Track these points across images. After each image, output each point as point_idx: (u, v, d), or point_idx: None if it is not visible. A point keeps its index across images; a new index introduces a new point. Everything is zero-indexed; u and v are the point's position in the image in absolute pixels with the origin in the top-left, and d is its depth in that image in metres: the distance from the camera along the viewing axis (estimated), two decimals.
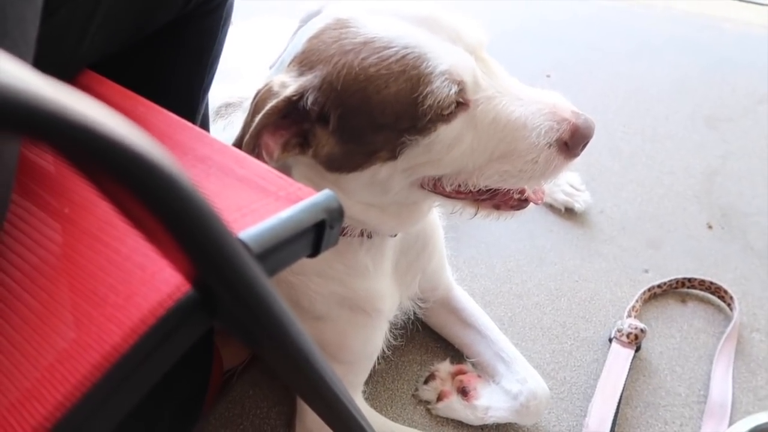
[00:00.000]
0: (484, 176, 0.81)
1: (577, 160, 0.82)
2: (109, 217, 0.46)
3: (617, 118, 1.87)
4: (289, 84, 0.76)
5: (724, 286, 1.36)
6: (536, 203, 0.90)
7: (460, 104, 0.77)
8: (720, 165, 1.73)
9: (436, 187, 0.85)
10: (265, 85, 0.76)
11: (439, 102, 0.73)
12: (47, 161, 0.54)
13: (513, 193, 0.86)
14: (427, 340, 1.28)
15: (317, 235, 0.48)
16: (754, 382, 1.24)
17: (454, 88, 0.73)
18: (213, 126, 1.11)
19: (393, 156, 0.78)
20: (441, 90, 0.72)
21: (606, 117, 1.87)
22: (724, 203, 1.62)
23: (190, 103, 0.82)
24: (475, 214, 0.89)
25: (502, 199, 0.88)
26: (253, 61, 1.28)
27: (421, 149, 0.77)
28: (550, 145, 0.77)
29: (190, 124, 0.58)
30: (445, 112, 0.75)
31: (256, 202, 0.48)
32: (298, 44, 0.81)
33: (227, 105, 1.16)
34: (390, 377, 1.23)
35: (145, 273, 0.41)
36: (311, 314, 1.00)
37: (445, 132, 0.76)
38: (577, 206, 1.55)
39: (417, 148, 0.77)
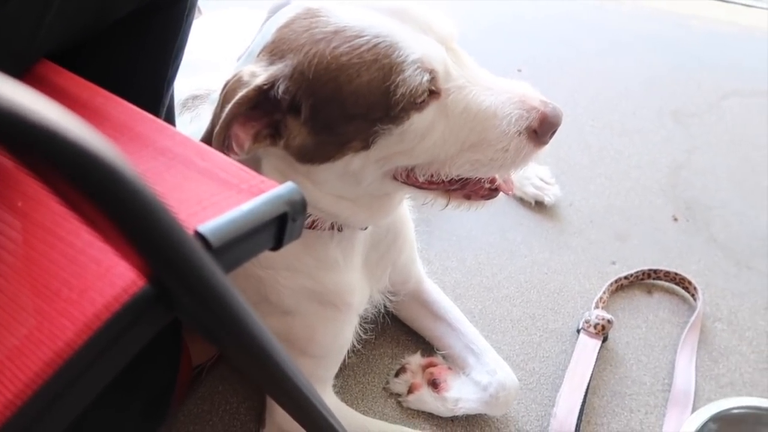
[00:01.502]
0: (456, 165, 0.82)
1: (546, 149, 0.83)
2: (64, 210, 0.45)
3: (587, 113, 1.89)
4: (259, 73, 0.75)
5: (689, 277, 1.39)
6: (506, 193, 0.91)
7: (432, 93, 0.77)
8: (685, 159, 1.76)
9: (408, 177, 0.85)
10: (234, 76, 0.75)
11: (411, 90, 0.73)
12: (2, 153, 0.53)
13: (484, 182, 0.87)
14: (398, 334, 1.28)
15: (279, 227, 0.47)
16: (716, 370, 1.27)
17: (426, 77, 0.74)
18: (179, 118, 1.09)
19: (366, 146, 0.78)
20: (413, 78, 0.73)
21: (576, 112, 1.89)
22: (689, 196, 1.65)
23: (154, 95, 0.81)
24: (447, 205, 0.90)
25: (472, 189, 0.89)
26: (220, 53, 1.26)
27: (395, 138, 0.77)
28: (520, 133, 0.79)
29: (150, 116, 0.57)
30: (418, 101, 0.75)
31: (217, 195, 0.47)
32: (268, 34, 0.80)
33: (194, 97, 1.15)
34: (361, 371, 1.23)
35: (100, 267, 0.40)
36: (280, 308, 0.99)
37: (417, 121, 0.76)
38: (547, 199, 1.56)
39: (390, 138, 0.77)
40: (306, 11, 0.78)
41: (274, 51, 0.77)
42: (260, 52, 0.78)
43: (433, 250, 1.45)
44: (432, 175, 0.83)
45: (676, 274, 1.40)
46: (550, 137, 0.82)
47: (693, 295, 1.38)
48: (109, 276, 0.39)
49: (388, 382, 1.21)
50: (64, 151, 0.27)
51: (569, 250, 1.49)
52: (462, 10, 2.33)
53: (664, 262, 1.44)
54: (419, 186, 0.86)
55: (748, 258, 1.50)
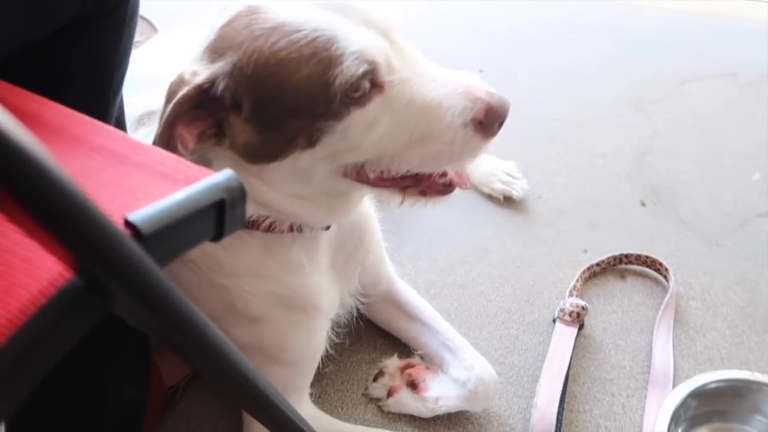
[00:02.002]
0: (405, 161, 0.81)
1: (495, 140, 0.82)
2: None
3: (548, 107, 1.91)
4: (200, 72, 0.74)
5: (660, 259, 1.40)
6: (461, 187, 0.90)
7: (375, 87, 0.76)
8: (648, 145, 1.79)
9: (359, 175, 0.83)
10: (177, 76, 0.74)
11: (348, 81, 0.72)
12: None
13: (436, 177, 0.86)
14: (374, 337, 1.27)
15: (218, 216, 0.46)
16: (694, 348, 1.27)
17: (364, 67, 0.73)
18: (135, 134, 1.07)
19: (311, 143, 0.77)
20: (349, 69, 0.72)
21: (538, 106, 1.91)
22: (655, 181, 1.67)
23: (99, 103, 0.79)
24: (402, 202, 0.88)
25: (426, 185, 0.87)
26: (176, 70, 1.25)
27: (338, 135, 0.76)
28: (466, 125, 0.78)
29: (87, 118, 0.56)
30: (357, 95, 0.74)
31: (152, 187, 0.46)
32: (211, 34, 0.80)
33: (150, 113, 1.13)
34: (339, 378, 1.21)
35: (27, 264, 0.39)
36: (248, 317, 0.97)
37: (359, 116, 0.75)
38: (515, 194, 1.57)
39: (334, 135, 0.76)
40: (247, 9, 0.78)
41: (215, 50, 0.76)
42: (203, 52, 0.78)
43: (404, 252, 1.44)
44: (382, 172, 0.82)
45: (647, 257, 1.41)
46: (498, 128, 0.80)
47: (665, 277, 1.38)
48: (36, 272, 0.38)
49: (366, 388, 1.19)
50: None
51: (541, 242, 1.49)
52: (421, 12, 2.35)
53: (635, 247, 1.45)
54: (372, 183, 0.85)
55: (717, 236, 1.51)
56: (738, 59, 2.18)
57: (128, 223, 0.40)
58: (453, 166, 0.84)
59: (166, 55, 1.33)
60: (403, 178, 0.84)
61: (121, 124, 0.90)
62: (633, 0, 2.56)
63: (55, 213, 0.30)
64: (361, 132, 0.77)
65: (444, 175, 0.86)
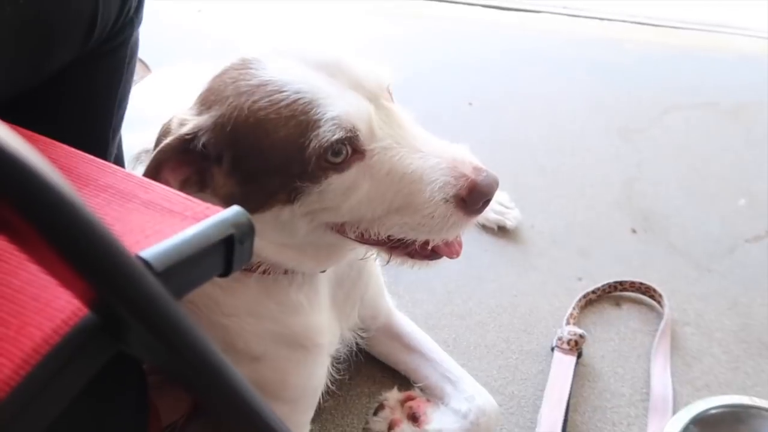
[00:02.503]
0: (384, 226, 0.80)
1: (478, 218, 0.80)
2: (1, 253, 0.44)
3: (537, 138, 1.95)
4: (187, 122, 0.75)
5: (653, 285, 1.41)
6: (449, 257, 0.87)
7: (356, 153, 0.76)
8: (636, 172, 1.82)
9: (342, 232, 0.83)
10: (167, 122, 0.76)
11: (322, 146, 0.72)
12: None
13: (417, 244, 0.83)
14: (374, 371, 1.26)
15: (227, 251, 0.47)
16: (691, 374, 1.28)
17: (340, 134, 0.72)
18: (133, 172, 1.08)
19: (290, 200, 0.77)
20: (325, 134, 0.71)
21: (527, 137, 1.95)
22: (645, 208, 1.69)
23: (100, 142, 0.80)
24: (388, 261, 0.88)
25: (410, 249, 0.85)
26: (171, 109, 1.26)
27: (315, 196, 0.76)
28: (447, 201, 0.76)
29: (92, 157, 0.56)
30: (335, 160, 0.74)
31: (160, 224, 0.46)
32: (204, 83, 0.81)
33: (146, 151, 1.13)
34: (339, 413, 1.20)
35: (39, 303, 0.39)
36: (248, 355, 0.96)
37: (338, 180, 0.75)
38: (509, 224, 1.58)
39: (311, 195, 0.76)
40: (240, 62, 0.79)
41: (204, 101, 0.78)
42: (195, 100, 0.79)
43: (401, 284, 1.44)
44: (362, 233, 0.82)
45: (641, 283, 1.42)
46: (483, 206, 0.78)
47: (660, 303, 1.39)
48: (48, 310, 0.38)
49: (367, 422, 1.17)
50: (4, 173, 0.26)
51: (536, 271, 1.50)
52: (412, 47, 2.40)
53: (629, 274, 1.47)
54: (356, 240, 0.84)
55: (707, 261, 1.53)
56: (718, 89, 2.25)
57: (141, 260, 0.40)
58: (434, 238, 0.81)
59: (160, 94, 1.35)
60: (385, 240, 0.83)
61: (120, 161, 0.91)
62: (615, 34, 2.64)
63: (78, 247, 0.31)
64: (339, 195, 0.76)
65: (426, 243, 0.83)
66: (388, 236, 0.82)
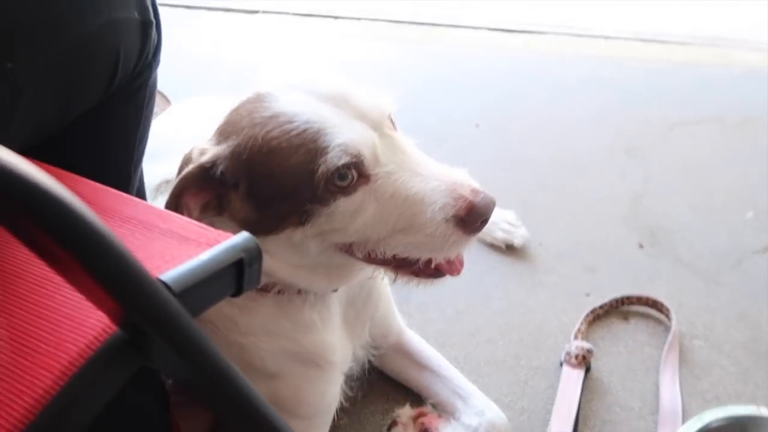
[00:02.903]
0: (390, 246, 0.86)
1: (477, 237, 0.86)
2: (40, 280, 0.49)
3: (544, 156, 1.99)
4: (207, 152, 0.82)
5: (661, 299, 1.43)
6: (452, 275, 0.93)
7: (362, 178, 0.82)
8: (643, 188, 1.85)
9: (350, 252, 0.89)
10: (189, 152, 0.82)
11: (329, 170, 0.78)
12: None
13: (421, 263, 0.89)
14: (386, 388, 1.29)
15: (238, 273, 0.52)
16: (700, 386, 1.29)
17: (346, 159, 0.79)
18: (154, 202, 1.14)
19: (301, 222, 0.83)
20: (332, 160, 0.78)
21: (534, 156, 1.99)
22: (651, 223, 1.72)
23: (121, 177, 0.87)
24: (395, 280, 0.94)
25: (415, 268, 0.91)
26: (190, 141, 1.33)
27: (324, 218, 0.83)
28: (447, 221, 0.82)
29: (115, 191, 0.62)
30: (342, 184, 0.81)
31: (178, 250, 0.51)
32: (222, 116, 0.88)
33: (166, 182, 1.20)
34: (353, 430, 1.23)
35: (73, 321, 0.44)
36: (264, 373, 1.01)
37: (344, 204, 0.82)
38: (516, 241, 1.62)
39: (321, 217, 0.83)
40: (255, 96, 0.86)
41: (222, 132, 0.85)
42: (215, 132, 0.86)
43: (412, 303, 1.48)
44: (369, 253, 0.87)
45: (648, 298, 1.45)
46: (481, 225, 0.84)
47: (667, 316, 1.41)
48: (82, 328, 0.43)
49: None
50: (45, 206, 0.32)
51: (544, 288, 1.53)
52: (419, 72, 2.47)
53: (636, 288, 1.49)
54: (363, 260, 0.90)
55: (715, 274, 1.55)
56: (723, 103, 2.27)
57: (161, 283, 0.45)
58: (436, 256, 0.87)
59: (180, 126, 1.42)
60: (391, 259, 0.89)
61: (141, 193, 0.97)
62: (619, 52, 2.68)
63: (108, 272, 0.36)
64: (346, 217, 0.83)
65: (429, 261, 0.89)
66: (394, 255, 0.88)
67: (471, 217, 0.82)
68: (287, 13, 3.01)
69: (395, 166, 0.83)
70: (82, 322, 0.43)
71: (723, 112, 2.21)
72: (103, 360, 0.42)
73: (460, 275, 0.94)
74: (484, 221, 0.84)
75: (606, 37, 2.79)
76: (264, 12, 3.03)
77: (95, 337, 0.42)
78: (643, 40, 2.77)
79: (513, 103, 2.30)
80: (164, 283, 0.45)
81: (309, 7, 3.05)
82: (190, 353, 0.42)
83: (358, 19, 2.96)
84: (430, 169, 0.85)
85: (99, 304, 0.39)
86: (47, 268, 0.39)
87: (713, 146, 2.05)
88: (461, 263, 0.94)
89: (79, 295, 0.41)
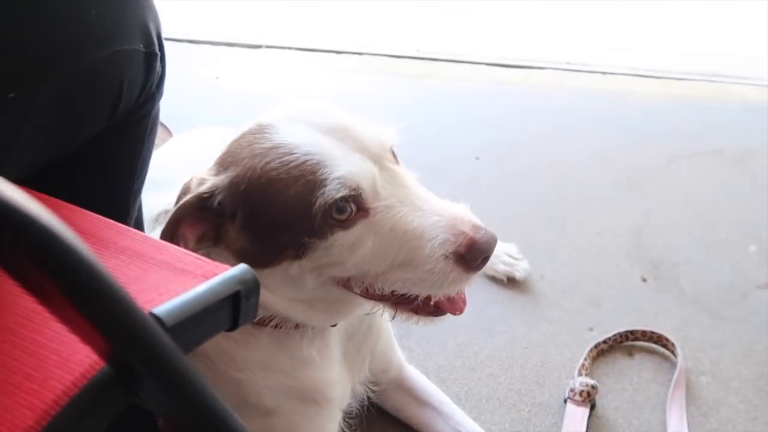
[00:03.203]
0: (388, 282, 0.84)
1: (478, 274, 0.83)
2: (29, 313, 0.48)
3: (545, 189, 1.98)
4: (206, 181, 0.81)
5: (665, 334, 1.41)
6: (453, 313, 0.90)
7: (360, 211, 0.81)
8: (644, 221, 1.84)
9: (348, 287, 0.87)
10: (189, 181, 0.81)
11: (327, 203, 0.77)
12: None
13: (420, 300, 0.86)
14: (386, 426, 1.26)
15: (234, 307, 0.50)
16: (708, 425, 1.26)
17: (344, 192, 0.78)
18: (153, 233, 1.13)
19: (298, 255, 0.82)
20: (330, 193, 0.77)
21: (535, 189, 1.98)
22: (654, 256, 1.70)
23: (122, 206, 0.86)
24: (394, 317, 0.91)
25: (414, 305, 0.88)
26: (192, 171, 1.33)
27: (322, 251, 0.81)
28: (447, 257, 0.80)
29: (112, 222, 0.61)
30: (341, 217, 0.79)
31: (173, 282, 0.50)
32: (223, 146, 0.88)
33: (166, 212, 1.19)
34: None
35: (60, 357, 0.42)
36: (260, 409, 0.98)
37: (343, 236, 0.80)
38: (518, 275, 1.60)
39: (318, 250, 0.81)
40: (257, 127, 0.86)
41: (222, 162, 0.84)
42: (215, 162, 0.85)
43: (413, 338, 1.45)
44: (367, 288, 0.85)
45: (652, 332, 1.42)
46: (482, 263, 0.82)
47: (673, 352, 1.39)
48: (69, 364, 0.42)
49: None
50: (32, 236, 0.31)
51: (546, 322, 1.50)
52: (420, 106, 2.49)
53: (640, 323, 1.47)
54: (361, 295, 0.88)
55: (720, 308, 1.53)
56: (722, 137, 2.29)
57: (153, 316, 0.44)
58: (436, 294, 0.85)
59: (181, 157, 1.42)
60: (389, 295, 0.86)
61: (140, 224, 0.96)
62: (618, 86, 2.71)
63: (98, 307, 0.35)
64: (344, 251, 0.81)
65: (428, 299, 0.87)
66: (392, 291, 0.85)
67: (471, 254, 0.80)
68: (290, 48, 3.05)
69: (395, 200, 0.82)
70: (70, 358, 0.42)
71: (722, 146, 2.22)
72: (89, 398, 0.40)
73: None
74: (486, 258, 0.82)
75: (604, 73, 2.83)
76: (267, 47, 3.08)
77: (82, 374, 0.40)
78: (641, 76, 2.80)
79: (513, 137, 2.31)
80: (156, 317, 0.43)
81: (311, 42, 3.09)
82: (180, 391, 0.40)
83: (360, 54, 3.00)
84: (430, 203, 0.83)
85: (86, 339, 0.38)
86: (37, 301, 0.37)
87: (713, 179, 2.05)
88: (464, 301, 0.91)
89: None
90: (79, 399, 0.39)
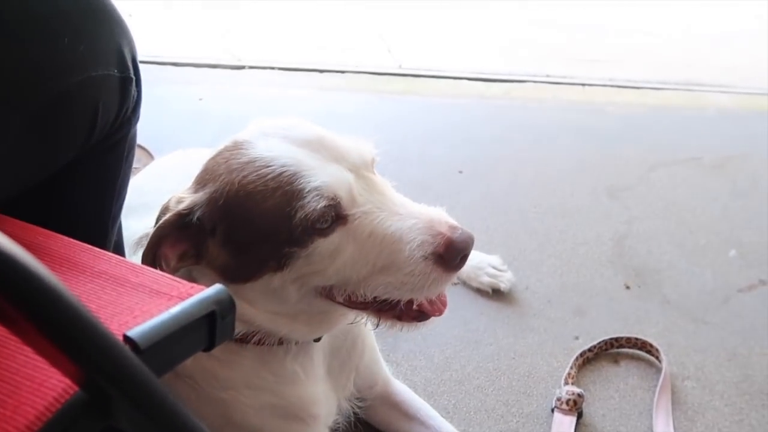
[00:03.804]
0: (369, 287, 0.85)
1: (457, 274, 0.85)
2: (1, 339, 0.48)
3: (528, 201, 2.00)
4: (183, 200, 0.82)
5: (650, 340, 1.42)
6: (434, 315, 0.92)
7: (339, 218, 0.82)
8: (626, 230, 1.86)
9: (331, 296, 0.88)
10: (168, 201, 0.82)
11: (308, 215, 0.78)
12: None
13: (403, 304, 0.88)
14: None
15: (210, 327, 0.50)
16: (695, 429, 1.27)
17: (324, 203, 0.79)
18: (134, 256, 1.13)
19: (280, 267, 0.83)
20: (310, 204, 0.78)
21: (518, 201, 2.00)
22: (637, 264, 1.72)
23: (100, 231, 0.86)
24: (378, 325, 0.92)
25: (397, 311, 0.89)
26: (172, 193, 1.33)
27: (303, 260, 0.82)
28: (426, 258, 0.82)
29: (89, 246, 0.61)
30: (321, 226, 0.80)
31: (148, 304, 0.50)
32: (201, 165, 0.89)
33: (147, 236, 1.20)
34: None
35: (33, 383, 0.42)
36: (246, 429, 0.98)
37: (323, 244, 0.81)
38: (503, 286, 1.61)
39: (299, 260, 0.82)
40: (233, 144, 0.87)
41: (200, 180, 0.85)
42: (193, 181, 0.86)
43: (399, 352, 1.45)
44: (350, 296, 0.87)
45: (637, 339, 1.44)
46: (461, 262, 0.84)
47: (657, 358, 1.40)
48: (42, 390, 0.42)
49: None
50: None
51: (532, 332, 1.51)
52: (402, 122, 2.50)
53: (625, 330, 1.48)
54: (344, 305, 0.89)
55: (703, 313, 1.55)
56: (700, 144, 2.32)
57: (127, 339, 0.44)
58: (417, 296, 0.86)
59: (161, 181, 1.42)
60: (373, 302, 0.88)
61: (119, 247, 0.96)
62: (597, 97, 2.75)
63: (65, 332, 0.35)
64: (325, 259, 0.82)
65: (410, 302, 0.88)
66: (375, 298, 0.86)
67: (450, 253, 0.82)
68: (273, 68, 3.07)
69: (372, 206, 0.84)
70: (43, 383, 0.42)
71: (700, 153, 2.26)
72: (62, 423, 0.40)
73: (443, 316, 0.93)
74: (464, 257, 0.84)
75: (583, 84, 2.87)
76: (250, 67, 3.09)
77: (55, 399, 0.40)
78: (619, 87, 2.85)
79: (495, 150, 2.33)
80: (130, 339, 0.44)
81: (294, 61, 3.11)
82: (154, 413, 0.41)
83: (342, 72, 3.03)
84: (407, 207, 0.85)
85: (57, 365, 0.38)
86: None
87: (693, 186, 2.08)
88: (444, 303, 0.92)
89: None
90: (52, 424, 0.40)
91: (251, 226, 0.80)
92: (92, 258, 0.59)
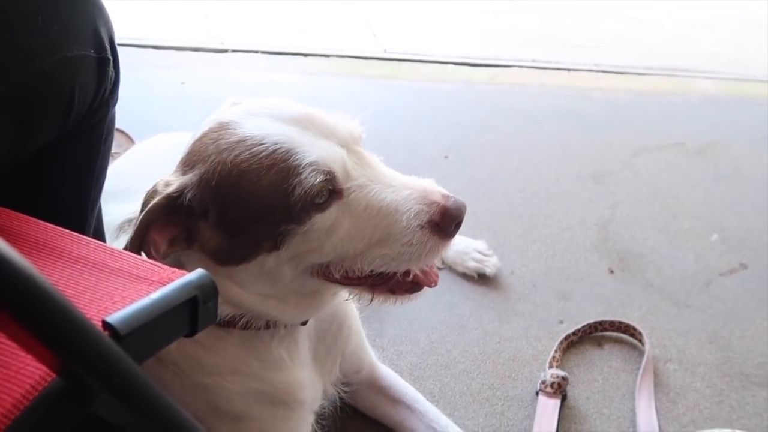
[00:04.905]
0: (366, 261, 0.85)
1: (453, 240, 0.86)
2: None
3: (513, 186, 2.00)
4: (172, 183, 0.80)
5: (633, 323, 1.44)
6: (428, 285, 0.92)
7: (334, 193, 0.82)
8: (611, 215, 1.87)
9: (326, 275, 0.87)
10: (154, 185, 0.80)
11: (307, 191, 0.78)
12: None
13: (400, 276, 0.88)
14: (359, 426, 1.26)
15: (192, 312, 0.50)
16: (676, 410, 1.29)
17: (321, 177, 0.78)
18: (116, 242, 1.11)
19: (276, 246, 0.82)
20: (308, 180, 0.78)
21: (503, 186, 2.00)
22: (621, 248, 1.74)
23: (79, 216, 0.84)
24: (372, 300, 0.92)
25: (393, 284, 0.90)
26: (154, 178, 1.31)
27: (300, 237, 0.81)
28: (422, 227, 0.82)
29: (66, 231, 0.60)
30: (318, 201, 0.80)
31: (128, 290, 0.49)
32: (186, 147, 0.86)
33: (129, 221, 1.18)
34: None
35: (9, 371, 0.41)
36: (230, 415, 0.97)
37: (320, 220, 0.81)
38: (488, 271, 1.61)
39: (296, 237, 0.81)
40: (218, 124, 0.85)
41: (187, 162, 0.83)
42: (178, 164, 0.84)
43: (385, 337, 1.46)
44: (347, 271, 0.86)
45: (620, 322, 1.45)
46: (455, 229, 0.85)
47: (640, 341, 1.41)
48: (18, 377, 0.41)
49: None
50: None
51: (517, 316, 1.52)
52: (388, 107, 2.49)
53: (608, 314, 1.49)
54: (340, 282, 0.88)
55: (685, 297, 1.56)
56: (683, 130, 2.34)
57: (106, 325, 0.43)
58: (414, 266, 0.87)
59: (142, 165, 1.40)
60: (369, 276, 0.87)
61: (99, 233, 0.95)
62: (582, 83, 2.75)
63: (40, 319, 0.34)
64: (322, 235, 0.82)
65: (407, 274, 0.89)
66: (371, 271, 0.86)
67: (445, 221, 0.83)
68: (256, 51, 3.03)
69: (366, 179, 0.84)
70: (19, 371, 0.41)
71: (684, 138, 2.27)
72: (40, 411, 0.39)
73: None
74: (458, 224, 0.85)
75: (569, 70, 2.87)
76: (233, 50, 3.05)
77: (33, 386, 0.39)
78: (604, 72, 2.85)
79: (481, 135, 2.32)
80: (110, 326, 0.43)
81: (278, 45, 3.07)
82: (135, 400, 0.40)
83: (327, 56, 3.00)
84: (399, 180, 0.86)
85: (34, 354, 0.37)
86: None
87: (676, 171, 2.09)
88: (437, 275, 0.94)
89: None
90: (30, 412, 0.39)
91: (246, 206, 0.79)
92: (70, 243, 0.58)
